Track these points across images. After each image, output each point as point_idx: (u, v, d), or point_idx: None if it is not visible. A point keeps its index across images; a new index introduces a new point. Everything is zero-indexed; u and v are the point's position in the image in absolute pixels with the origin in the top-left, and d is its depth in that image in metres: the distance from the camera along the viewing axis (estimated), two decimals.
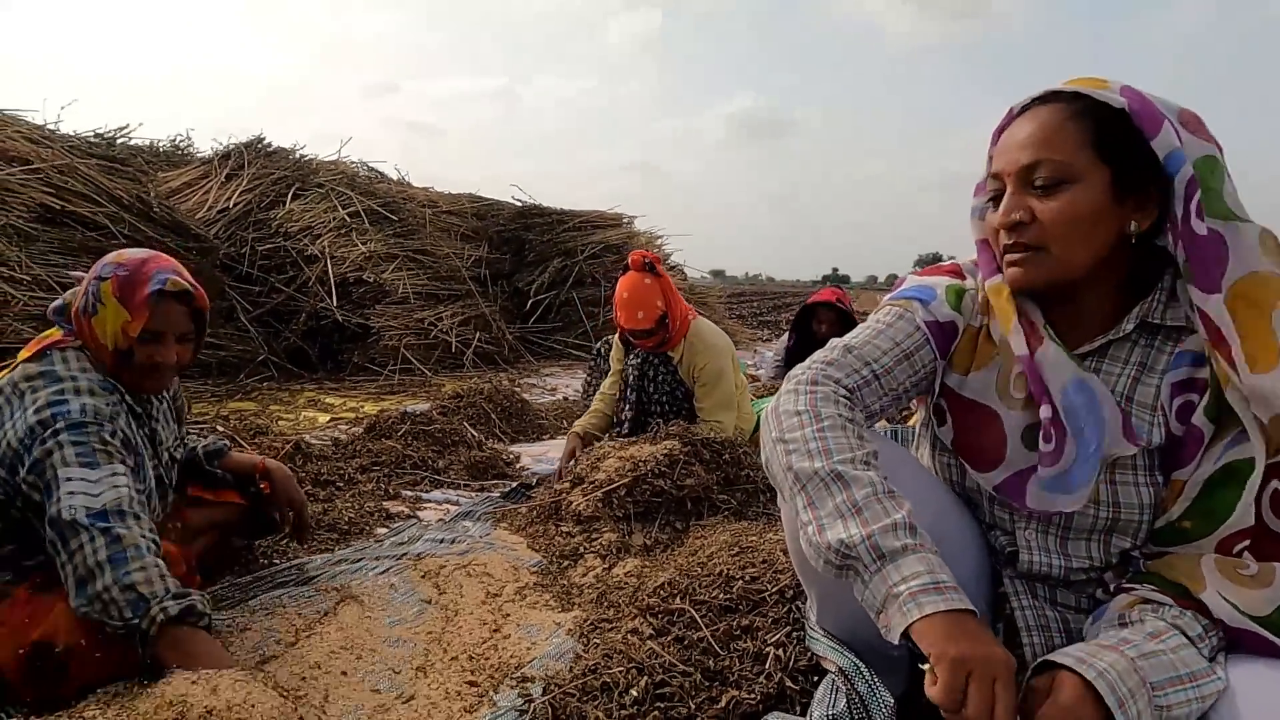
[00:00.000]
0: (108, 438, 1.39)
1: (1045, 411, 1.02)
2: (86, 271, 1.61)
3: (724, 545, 1.81)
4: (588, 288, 8.58)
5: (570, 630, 1.66)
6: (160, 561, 1.34)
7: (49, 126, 5.59)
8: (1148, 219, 0.99)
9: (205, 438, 1.95)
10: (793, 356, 3.98)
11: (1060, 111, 0.98)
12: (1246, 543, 0.95)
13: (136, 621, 1.26)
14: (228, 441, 1.93)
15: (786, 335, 4.19)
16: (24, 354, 1.50)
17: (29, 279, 4.24)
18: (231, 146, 7.48)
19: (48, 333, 1.56)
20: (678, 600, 1.56)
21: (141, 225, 5.10)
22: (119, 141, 7.24)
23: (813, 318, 3.85)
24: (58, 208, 4.63)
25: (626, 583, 1.86)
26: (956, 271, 1.18)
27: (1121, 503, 1.01)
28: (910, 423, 2.74)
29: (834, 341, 1.15)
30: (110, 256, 1.54)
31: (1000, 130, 1.05)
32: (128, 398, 1.54)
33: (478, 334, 7.00)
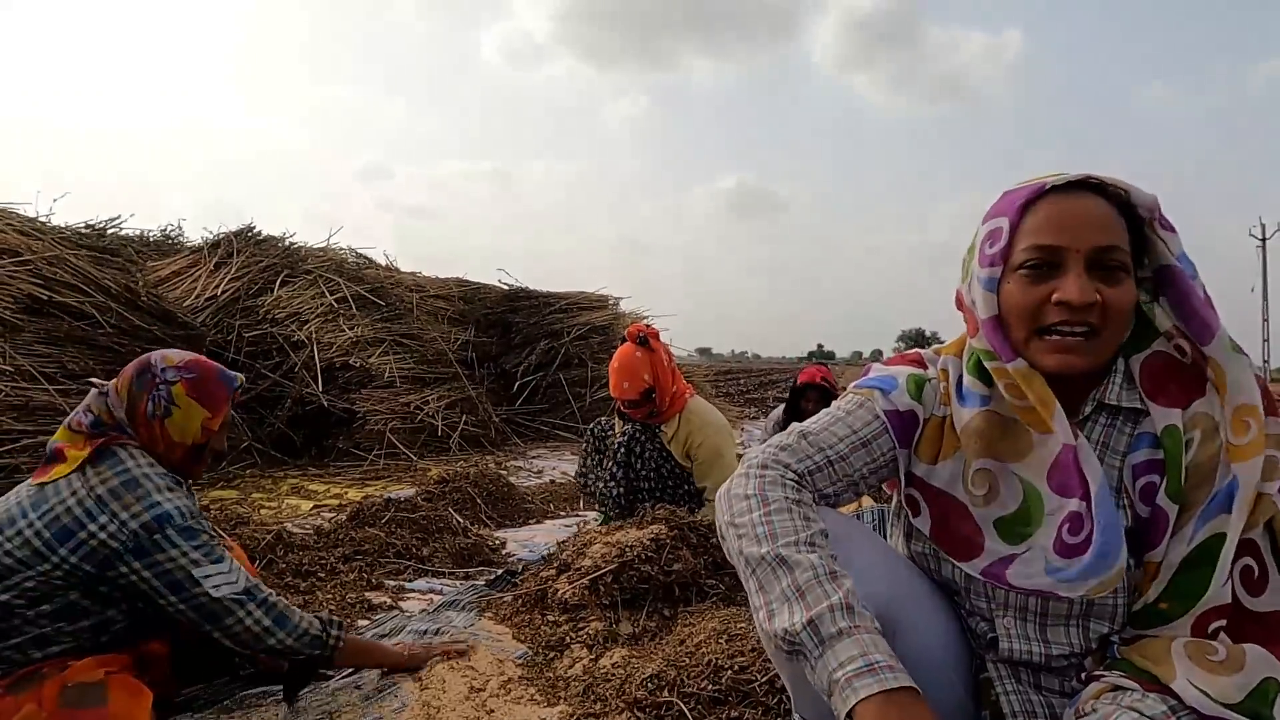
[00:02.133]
0: (211, 530, 1.57)
1: (1076, 505, 0.99)
2: (107, 379, 1.66)
3: (712, 633, 1.78)
4: (574, 369, 8.62)
5: None
6: (297, 609, 1.64)
7: (41, 219, 5.67)
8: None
9: None
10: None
11: (1109, 205, 1.00)
12: (1222, 622, 0.95)
13: (320, 652, 1.63)
14: None
15: (779, 410, 4.36)
16: (75, 455, 1.51)
17: (12, 369, 4.23)
18: (221, 235, 7.58)
19: (58, 438, 1.56)
20: (666, 693, 1.53)
21: (129, 314, 5.12)
22: (109, 232, 7.33)
23: (801, 397, 4.07)
24: (45, 298, 4.65)
25: (614, 674, 1.82)
26: (918, 361, 1.20)
27: None
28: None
29: (793, 426, 1.16)
30: (154, 359, 1.64)
31: (1026, 204, 1.02)
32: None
33: (464, 417, 6.99)
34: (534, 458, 6.74)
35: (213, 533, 1.59)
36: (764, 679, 1.52)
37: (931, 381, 1.16)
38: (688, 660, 1.65)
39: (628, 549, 2.28)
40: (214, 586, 1.51)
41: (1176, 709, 0.91)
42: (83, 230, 6.37)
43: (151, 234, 8.97)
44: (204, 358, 1.71)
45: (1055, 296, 0.98)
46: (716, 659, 1.61)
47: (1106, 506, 0.97)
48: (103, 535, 1.45)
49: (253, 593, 1.56)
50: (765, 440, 4.50)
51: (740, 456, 3.55)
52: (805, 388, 4.03)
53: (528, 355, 8.70)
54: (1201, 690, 0.90)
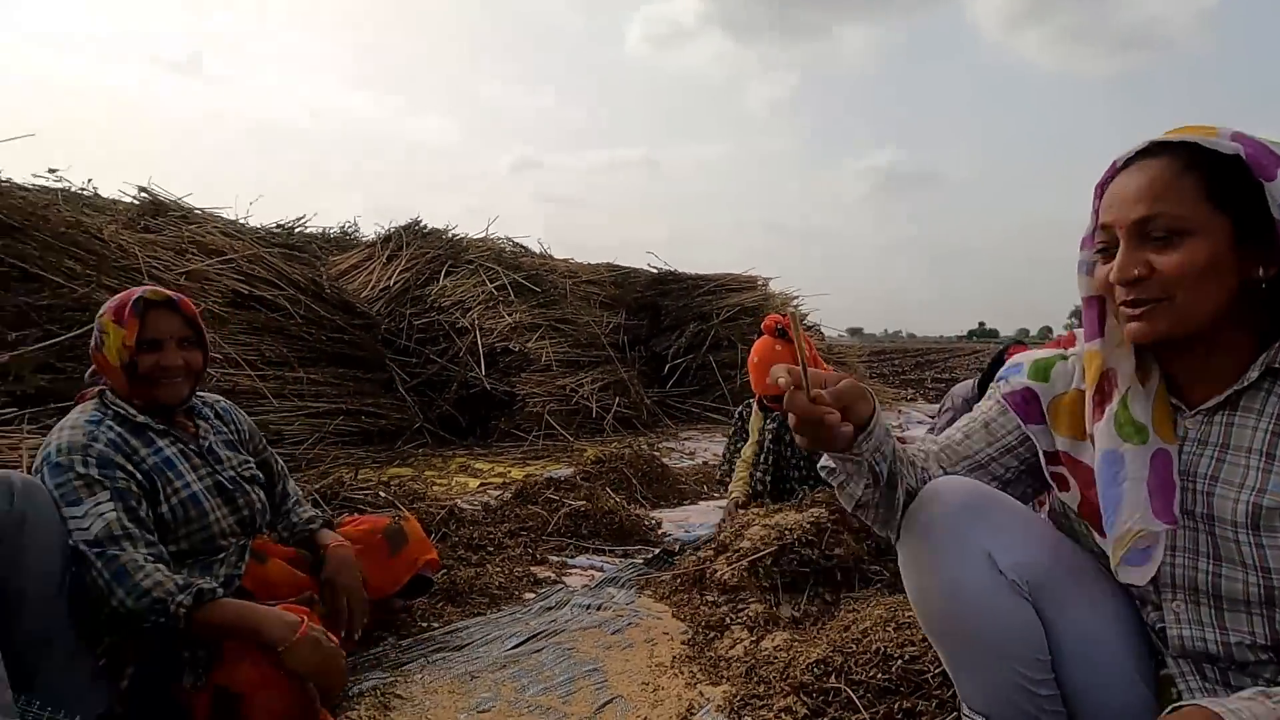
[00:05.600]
0: (81, 470, 1.49)
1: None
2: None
3: (879, 620, 1.73)
4: (724, 351, 8.58)
5: (720, 706, 1.62)
6: (161, 567, 1.47)
7: (240, 221, 6.28)
8: (1275, 265, 0.93)
9: (305, 510, 1.99)
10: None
11: (1171, 164, 0.95)
12: None
13: (164, 622, 1.42)
14: (319, 517, 1.98)
15: (968, 385, 4.15)
16: None
17: (220, 357, 4.72)
18: (392, 230, 8.11)
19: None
20: (833, 679, 1.50)
21: (315, 305, 5.58)
22: (296, 231, 8.01)
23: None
24: (246, 293, 5.16)
25: (776, 657, 1.80)
26: (1069, 341, 1.21)
27: (1272, 568, 0.90)
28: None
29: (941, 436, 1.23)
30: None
31: (1104, 184, 1.02)
32: (144, 418, 1.62)
33: (617, 399, 7.13)
34: (686, 439, 6.78)
35: (93, 471, 1.50)
36: (937, 670, 1.45)
37: (1065, 361, 1.16)
38: (854, 647, 1.60)
39: (787, 531, 2.25)
40: (70, 531, 1.44)
41: None
42: (274, 230, 7.01)
43: (332, 231, 9.73)
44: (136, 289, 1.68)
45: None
46: (885, 647, 1.55)
47: (1109, 495, 1.00)
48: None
49: (103, 543, 1.44)
50: (943, 411, 4.24)
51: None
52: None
53: (677, 338, 8.75)
54: None
